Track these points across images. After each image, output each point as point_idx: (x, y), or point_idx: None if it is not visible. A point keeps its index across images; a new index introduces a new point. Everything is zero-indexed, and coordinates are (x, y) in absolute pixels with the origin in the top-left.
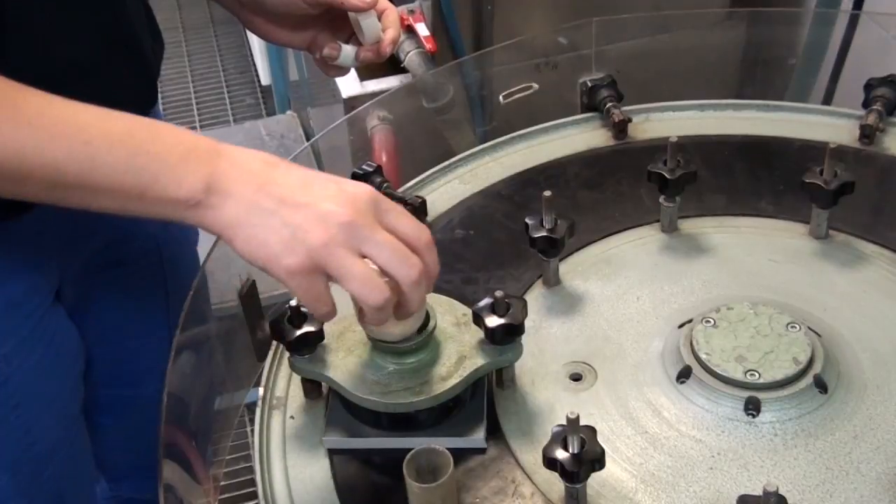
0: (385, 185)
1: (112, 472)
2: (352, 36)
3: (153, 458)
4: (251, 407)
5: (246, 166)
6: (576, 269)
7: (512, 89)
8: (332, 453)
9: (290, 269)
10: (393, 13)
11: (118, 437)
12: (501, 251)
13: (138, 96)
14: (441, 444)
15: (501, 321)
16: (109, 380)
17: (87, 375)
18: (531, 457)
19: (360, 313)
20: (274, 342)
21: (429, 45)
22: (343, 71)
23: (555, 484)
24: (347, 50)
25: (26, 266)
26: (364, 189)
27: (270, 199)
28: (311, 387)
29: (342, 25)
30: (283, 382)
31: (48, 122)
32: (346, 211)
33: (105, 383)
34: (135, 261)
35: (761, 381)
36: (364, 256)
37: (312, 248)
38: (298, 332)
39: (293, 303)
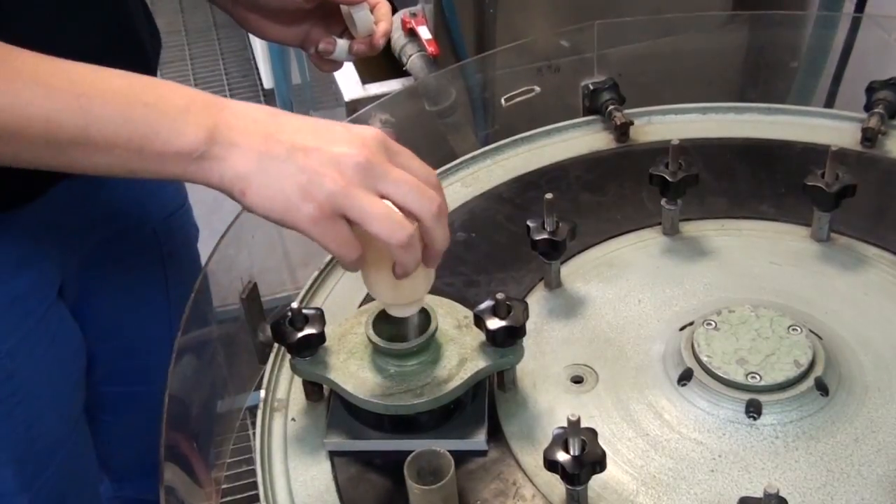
0: None
1: (115, 471)
2: (345, 30)
3: (156, 457)
4: (253, 409)
5: (250, 115)
6: (577, 272)
7: (514, 92)
8: (334, 455)
9: (312, 216)
10: (385, 6)
11: (120, 435)
12: (503, 254)
13: None
14: (442, 446)
15: (503, 323)
16: (111, 377)
17: (88, 372)
18: (532, 459)
19: (373, 278)
20: (275, 344)
21: (431, 49)
22: (337, 65)
23: (556, 486)
24: (341, 44)
25: (29, 261)
26: (372, 130)
27: (280, 146)
28: (313, 389)
29: (335, 20)
30: (284, 385)
31: (42, 78)
32: (360, 151)
33: (106, 380)
34: (134, 256)
35: (762, 383)
36: (382, 196)
37: (331, 192)
38: (300, 335)
39: (294, 305)
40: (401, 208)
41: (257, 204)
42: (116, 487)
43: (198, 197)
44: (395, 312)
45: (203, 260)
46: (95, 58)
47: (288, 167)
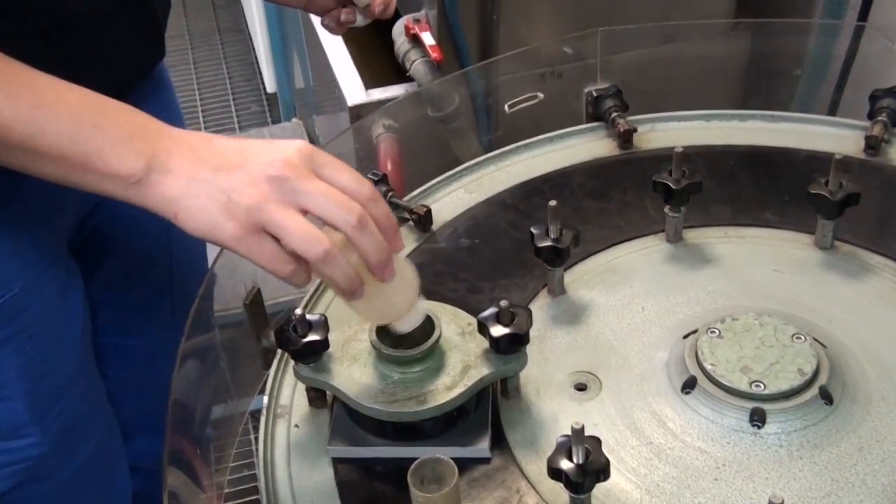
0: (390, 193)
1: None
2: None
3: (147, 417)
4: (256, 414)
5: (187, 143)
6: (581, 279)
7: (517, 99)
8: (337, 462)
9: (234, 234)
10: None
11: (124, 391)
12: (506, 260)
13: (147, 50)
14: (445, 453)
15: (506, 330)
16: (115, 327)
17: (93, 320)
18: (536, 467)
19: (342, 294)
20: (279, 350)
21: (434, 55)
22: (344, 29)
23: (559, 494)
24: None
25: (48, 214)
26: (298, 144)
27: (207, 169)
28: (316, 395)
29: None
30: (287, 391)
31: (4, 83)
32: (278, 166)
33: (110, 331)
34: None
35: (766, 392)
36: (304, 211)
37: (248, 208)
38: (303, 341)
39: (298, 311)
40: (324, 221)
41: (189, 226)
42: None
43: None
44: (394, 328)
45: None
46: (104, 14)
47: (211, 188)
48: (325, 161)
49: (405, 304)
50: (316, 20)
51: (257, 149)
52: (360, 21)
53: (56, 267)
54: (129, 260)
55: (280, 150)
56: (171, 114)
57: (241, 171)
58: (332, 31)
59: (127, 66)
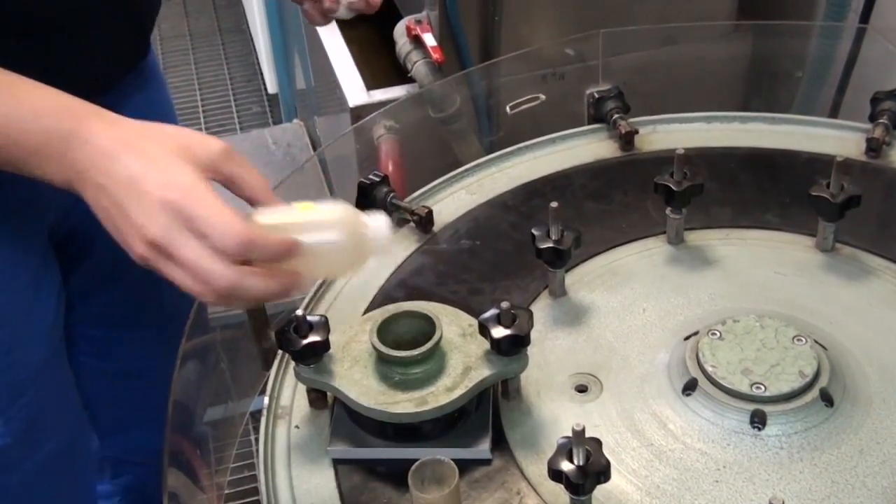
0: (391, 194)
1: (101, 426)
2: None
3: (141, 411)
4: (256, 415)
5: (90, 159)
6: (582, 281)
7: (519, 100)
8: (337, 463)
9: (138, 262)
10: None
11: (102, 382)
12: (507, 262)
13: (128, 46)
14: (446, 454)
15: (507, 332)
16: (99, 320)
17: (68, 314)
18: (536, 468)
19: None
20: (280, 351)
21: (436, 56)
22: (329, 20)
23: (560, 496)
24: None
25: (18, 197)
26: (172, 189)
27: (106, 199)
28: (317, 396)
29: None
30: (288, 392)
31: None
32: (149, 230)
33: (88, 322)
34: None
35: (767, 394)
36: None
37: (138, 255)
38: (304, 342)
39: (299, 312)
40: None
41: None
42: (105, 445)
43: None
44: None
45: None
46: (89, 9)
47: (111, 221)
48: (192, 214)
49: (348, 259)
50: None
51: (137, 193)
52: (344, 13)
53: (31, 257)
54: (110, 257)
55: (152, 203)
56: (159, 109)
57: (128, 222)
58: (313, 20)
59: (106, 61)
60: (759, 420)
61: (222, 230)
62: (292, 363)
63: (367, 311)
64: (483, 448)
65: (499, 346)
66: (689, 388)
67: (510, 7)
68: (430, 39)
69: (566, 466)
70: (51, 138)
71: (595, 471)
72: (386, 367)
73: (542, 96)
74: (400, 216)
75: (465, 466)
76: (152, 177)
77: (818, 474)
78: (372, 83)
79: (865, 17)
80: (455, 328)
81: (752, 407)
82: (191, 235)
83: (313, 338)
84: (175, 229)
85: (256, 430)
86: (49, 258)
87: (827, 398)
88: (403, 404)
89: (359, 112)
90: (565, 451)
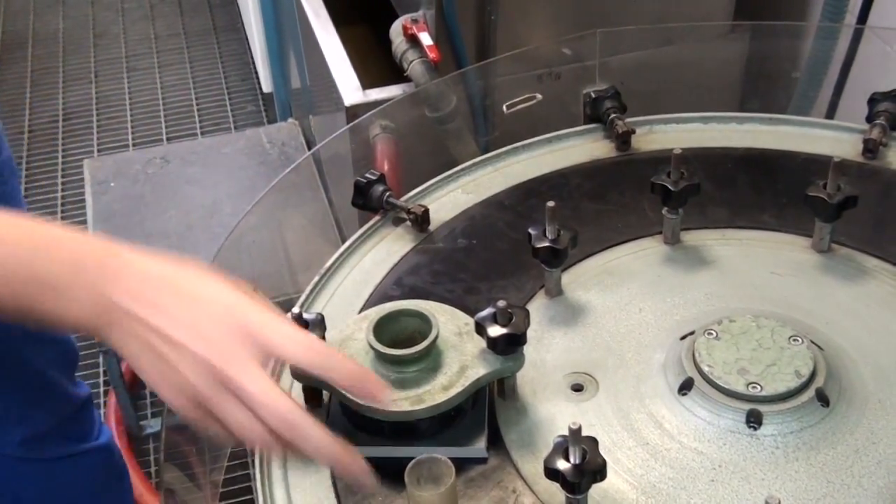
0: (387, 193)
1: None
2: None
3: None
4: None
5: (135, 287)
6: (578, 280)
7: (515, 99)
8: None
9: (184, 410)
10: None
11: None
12: (504, 261)
13: None
14: (442, 453)
15: (503, 331)
16: None
17: None
18: (532, 467)
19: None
20: None
21: (432, 55)
22: None
23: (556, 495)
24: None
25: None
26: (234, 315)
27: (153, 334)
28: (313, 394)
29: None
30: (284, 389)
31: None
32: (209, 357)
33: None
34: None
35: (763, 393)
36: None
37: (195, 394)
38: None
39: (295, 310)
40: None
41: (145, 380)
42: None
43: (196, 202)
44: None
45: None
46: None
47: (159, 361)
48: (238, 384)
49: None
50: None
51: (198, 323)
52: None
53: None
54: None
55: (213, 327)
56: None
57: (182, 353)
58: None
59: None
60: (755, 420)
61: (267, 392)
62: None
63: (363, 309)
64: (479, 447)
65: (495, 345)
66: (686, 387)
67: (506, 6)
68: (426, 39)
69: (562, 465)
70: (84, 268)
71: (591, 470)
72: (382, 366)
73: (539, 96)
74: (396, 215)
75: (461, 465)
76: (214, 304)
77: (814, 474)
78: (368, 82)
79: (863, 17)
80: (451, 327)
81: (748, 407)
82: (243, 390)
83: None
84: (243, 346)
85: None
86: None
87: (823, 398)
88: (399, 403)
89: (354, 111)
90: (561, 449)
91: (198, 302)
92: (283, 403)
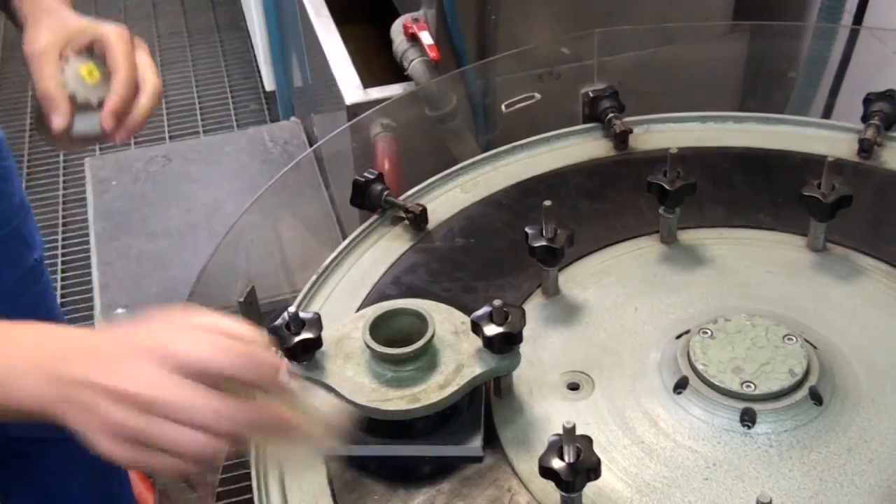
0: (386, 192)
1: None
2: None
3: None
4: None
5: (71, 356)
6: (575, 279)
7: (514, 99)
8: (329, 460)
9: (122, 461)
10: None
11: None
12: (501, 260)
13: None
14: (438, 452)
15: (500, 330)
16: None
17: None
18: (527, 466)
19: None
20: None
21: (432, 54)
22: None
23: (551, 493)
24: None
25: None
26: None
27: (85, 391)
28: None
29: None
30: None
31: None
32: (123, 408)
33: None
34: None
35: (757, 392)
36: None
37: (127, 434)
38: (297, 339)
39: (292, 309)
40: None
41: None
42: None
43: (198, 201)
44: None
45: (201, 263)
46: None
47: (92, 417)
48: (162, 412)
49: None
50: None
51: (123, 361)
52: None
53: None
54: None
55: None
56: None
57: (108, 394)
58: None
59: None
60: (748, 418)
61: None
62: (285, 360)
63: (360, 308)
64: (475, 445)
65: (491, 344)
66: (680, 386)
67: (507, 6)
68: (426, 38)
69: (557, 464)
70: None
71: (585, 468)
72: (378, 365)
73: (538, 95)
74: (395, 213)
75: (456, 464)
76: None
77: (807, 472)
78: (368, 81)
79: (859, 18)
80: (448, 326)
81: (742, 405)
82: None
83: (306, 335)
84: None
85: None
86: None
87: (816, 397)
88: (395, 401)
89: (355, 110)
90: (556, 448)
91: (125, 347)
92: (213, 402)
